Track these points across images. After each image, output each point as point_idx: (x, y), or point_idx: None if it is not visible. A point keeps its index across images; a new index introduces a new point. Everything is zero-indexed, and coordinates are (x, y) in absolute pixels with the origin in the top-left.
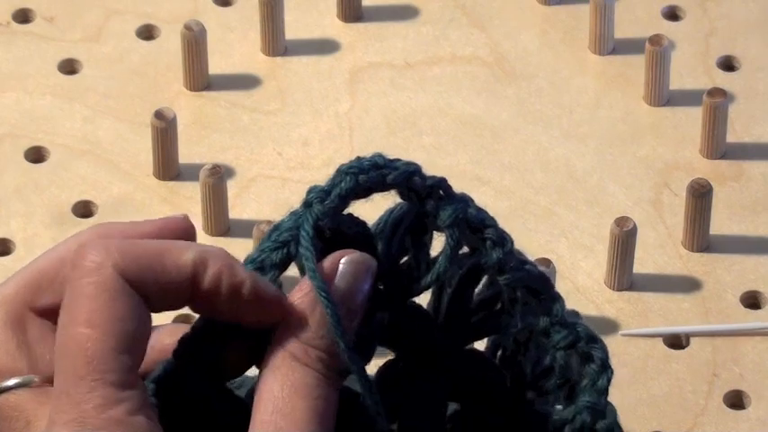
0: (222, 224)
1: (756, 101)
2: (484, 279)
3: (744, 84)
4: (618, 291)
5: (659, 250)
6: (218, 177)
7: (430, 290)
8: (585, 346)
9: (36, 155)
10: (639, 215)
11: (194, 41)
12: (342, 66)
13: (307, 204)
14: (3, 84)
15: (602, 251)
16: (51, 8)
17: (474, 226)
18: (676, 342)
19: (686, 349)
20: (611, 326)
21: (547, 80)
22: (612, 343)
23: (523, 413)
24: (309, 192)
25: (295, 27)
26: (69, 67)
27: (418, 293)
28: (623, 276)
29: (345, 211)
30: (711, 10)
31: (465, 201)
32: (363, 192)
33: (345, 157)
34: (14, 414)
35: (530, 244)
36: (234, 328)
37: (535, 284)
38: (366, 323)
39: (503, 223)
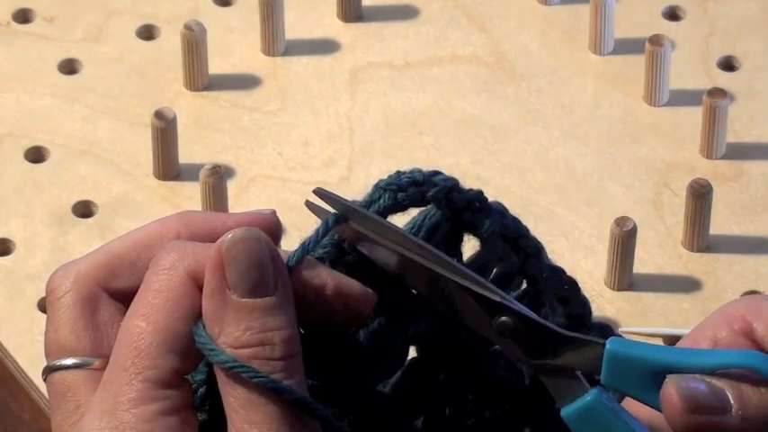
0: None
1: (756, 101)
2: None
3: (744, 84)
4: (618, 291)
5: (659, 250)
6: (218, 177)
7: None
8: None
9: (36, 155)
10: (639, 215)
11: (194, 41)
12: (342, 66)
13: (343, 219)
14: (3, 84)
15: (602, 251)
16: (51, 8)
17: (509, 236)
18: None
19: None
20: (611, 326)
21: (547, 80)
22: None
23: (543, 412)
24: None
25: (295, 27)
26: (69, 67)
27: None
28: (623, 276)
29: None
30: (711, 10)
31: (500, 212)
32: (401, 208)
33: (345, 157)
34: (67, 394)
35: None
36: None
37: (565, 293)
38: (399, 327)
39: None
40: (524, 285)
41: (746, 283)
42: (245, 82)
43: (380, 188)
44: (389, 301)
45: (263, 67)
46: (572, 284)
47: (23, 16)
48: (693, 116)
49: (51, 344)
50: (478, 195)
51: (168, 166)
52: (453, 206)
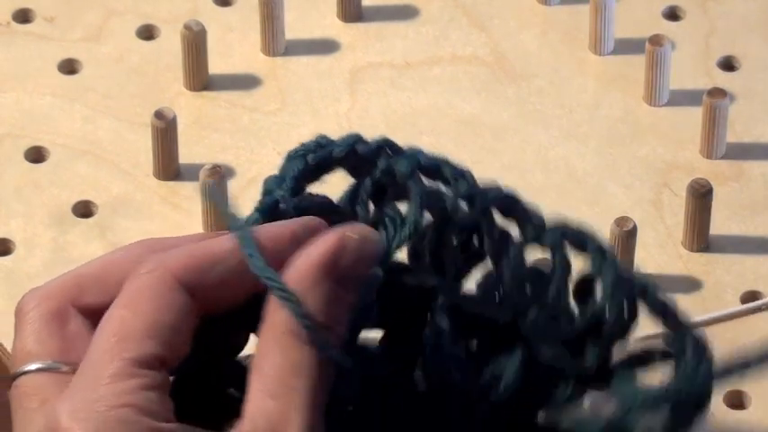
0: (222, 224)
1: (756, 101)
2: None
3: (744, 84)
4: None
5: (659, 250)
6: (219, 177)
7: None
8: (576, 240)
9: (36, 155)
10: (639, 215)
11: (194, 41)
12: (342, 66)
13: (267, 193)
14: (3, 84)
15: None
16: (51, 8)
17: (431, 171)
18: None
19: None
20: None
21: (547, 80)
22: None
23: (536, 361)
24: (265, 182)
25: (295, 27)
26: (69, 67)
27: (398, 248)
28: None
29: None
30: (711, 10)
31: (415, 151)
32: (313, 170)
33: None
34: (30, 393)
35: None
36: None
37: (506, 203)
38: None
39: (503, 223)
40: (467, 212)
41: (746, 283)
42: (245, 82)
43: (291, 157)
44: None
45: (263, 67)
46: (512, 197)
47: (23, 16)
48: (693, 116)
49: (17, 353)
50: (386, 141)
51: (168, 166)
52: (362, 157)
